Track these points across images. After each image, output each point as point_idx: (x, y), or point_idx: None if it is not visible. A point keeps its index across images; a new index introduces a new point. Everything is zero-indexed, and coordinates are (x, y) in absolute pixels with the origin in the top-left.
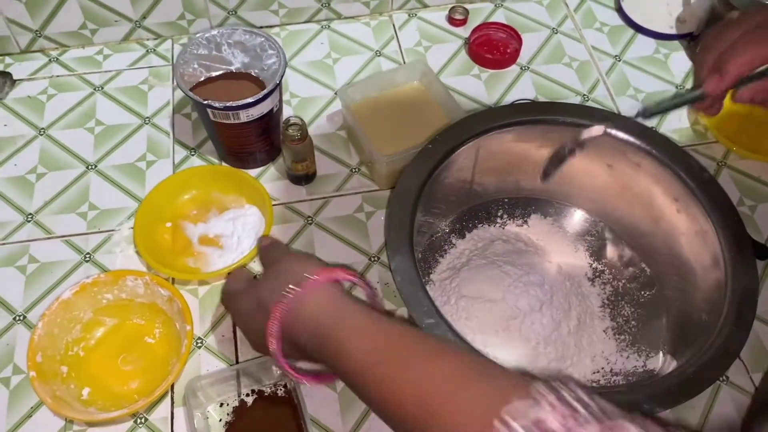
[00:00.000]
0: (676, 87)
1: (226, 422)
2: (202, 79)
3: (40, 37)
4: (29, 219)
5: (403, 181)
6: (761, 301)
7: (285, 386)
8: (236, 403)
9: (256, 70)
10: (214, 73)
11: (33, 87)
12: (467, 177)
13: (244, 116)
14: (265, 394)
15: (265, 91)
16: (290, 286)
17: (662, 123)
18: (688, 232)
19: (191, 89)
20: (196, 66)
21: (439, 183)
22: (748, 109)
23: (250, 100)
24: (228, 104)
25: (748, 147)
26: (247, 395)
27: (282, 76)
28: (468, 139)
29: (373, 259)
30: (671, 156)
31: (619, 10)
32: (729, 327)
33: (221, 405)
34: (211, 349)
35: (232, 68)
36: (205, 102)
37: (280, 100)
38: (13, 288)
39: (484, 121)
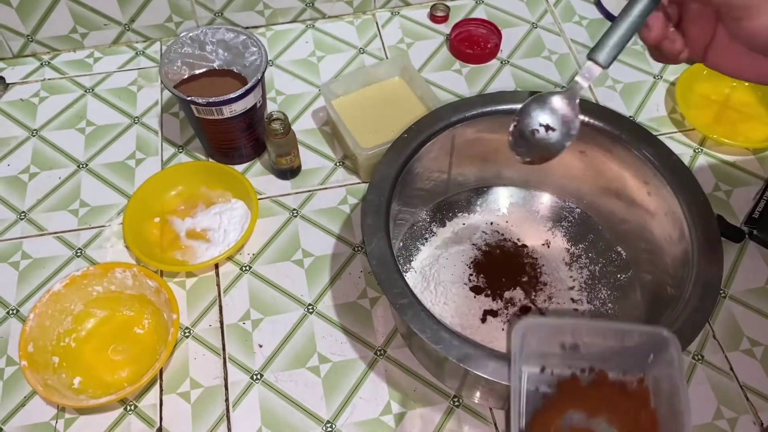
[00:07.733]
0: (654, 77)
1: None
2: (186, 76)
3: (32, 41)
4: (22, 217)
5: (379, 170)
6: (736, 282)
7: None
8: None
9: (239, 67)
10: (197, 71)
11: (25, 90)
12: (444, 166)
13: (228, 111)
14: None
15: (247, 87)
16: None
17: (640, 112)
18: (659, 212)
19: (175, 87)
20: (179, 64)
21: (416, 171)
22: (724, 97)
23: (232, 95)
24: (211, 100)
25: (724, 134)
26: (583, 371)
27: (263, 72)
28: (442, 129)
29: (356, 249)
30: (640, 141)
31: (598, 3)
32: (696, 299)
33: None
34: (198, 339)
35: (215, 65)
36: (189, 98)
37: (263, 96)
38: (7, 283)
39: (458, 111)
